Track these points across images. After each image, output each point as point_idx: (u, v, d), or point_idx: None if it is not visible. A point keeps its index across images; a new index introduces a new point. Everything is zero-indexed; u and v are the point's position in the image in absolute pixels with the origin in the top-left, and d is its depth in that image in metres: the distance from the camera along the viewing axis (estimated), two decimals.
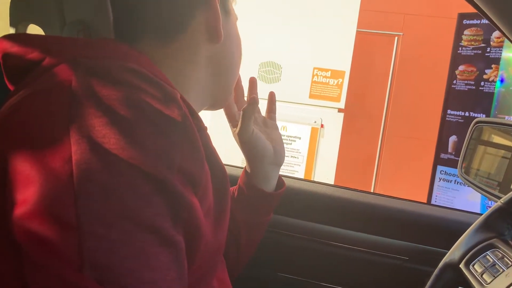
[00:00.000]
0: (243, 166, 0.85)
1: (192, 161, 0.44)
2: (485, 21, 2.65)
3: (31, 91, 0.43)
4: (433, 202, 2.85)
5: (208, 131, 0.56)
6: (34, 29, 0.91)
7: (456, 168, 2.76)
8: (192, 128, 0.45)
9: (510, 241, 0.69)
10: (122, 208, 0.37)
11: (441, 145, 2.87)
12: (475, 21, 2.71)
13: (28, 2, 0.89)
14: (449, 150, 2.82)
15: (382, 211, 1.00)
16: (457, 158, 2.76)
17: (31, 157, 0.38)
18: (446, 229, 0.96)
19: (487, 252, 0.69)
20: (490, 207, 2.28)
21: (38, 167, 0.37)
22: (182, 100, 0.48)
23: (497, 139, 1.20)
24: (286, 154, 2.38)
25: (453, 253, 0.73)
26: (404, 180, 4.05)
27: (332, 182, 2.33)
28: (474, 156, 1.19)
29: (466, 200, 2.68)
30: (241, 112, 0.76)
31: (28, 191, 0.37)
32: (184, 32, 0.57)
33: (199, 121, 0.52)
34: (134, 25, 0.58)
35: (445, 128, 2.85)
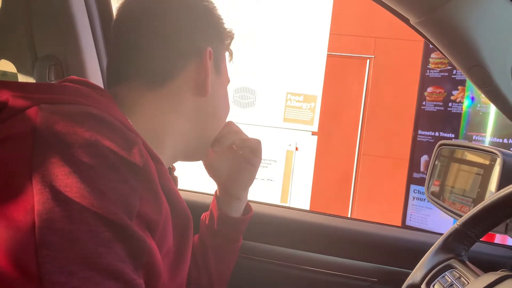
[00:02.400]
0: None
1: (151, 206, 0.45)
2: None
3: None
4: (407, 221, 2.91)
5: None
6: (5, 64, 0.92)
7: None
8: (152, 175, 0.47)
9: (467, 262, 0.73)
10: (83, 255, 0.38)
11: (413, 164, 2.94)
12: None
13: None
14: (421, 169, 2.90)
15: (351, 234, 1.03)
16: None
17: None
18: (412, 250, 0.99)
19: (446, 272, 0.72)
20: None
21: (0, 218, 0.38)
22: (144, 146, 0.50)
23: (461, 156, 1.25)
24: (262, 178, 2.41)
25: (415, 274, 0.76)
26: (380, 199, 4.11)
27: (308, 204, 2.36)
28: (439, 176, 1.24)
29: (440, 218, 2.75)
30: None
31: None
32: (171, 81, 0.60)
33: (161, 165, 0.53)
34: (125, 67, 0.61)
35: (417, 148, 2.94)
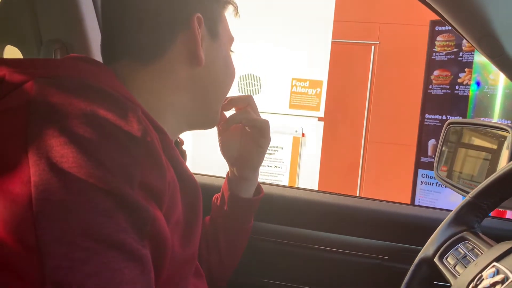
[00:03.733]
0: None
1: (154, 175, 0.44)
2: None
3: None
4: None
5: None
6: (11, 50, 0.92)
7: None
8: (153, 143, 0.46)
9: (479, 233, 0.72)
10: (82, 226, 0.38)
11: (421, 149, 2.93)
12: (446, 27, 2.80)
13: (3, 24, 0.90)
14: (429, 153, 2.88)
15: (360, 213, 1.03)
16: None
17: None
18: (422, 227, 0.98)
19: (459, 244, 0.72)
20: None
21: None
22: (144, 115, 0.49)
23: (470, 139, 1.25)
24: (269, 164, 2.41)
25: (427, 248, 0.75)
26: (388, 185, 4.10)
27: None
28: (449, 156, 1.23)
29: (449, 201, 2.74)
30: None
31: None
32: (163, 55, 0.58)
33: (165, 135, 0.52)
34: (116, 44, 0.59)
35: (424, 132, 2.92)
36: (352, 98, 4.35)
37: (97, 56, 0.89)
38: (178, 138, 0.72)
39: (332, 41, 2.33)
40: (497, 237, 0.74)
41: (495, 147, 1.11)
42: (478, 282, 0.59)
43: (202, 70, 0.61)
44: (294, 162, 2.29)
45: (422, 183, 2.90)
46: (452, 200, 2.71)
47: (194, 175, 0.58)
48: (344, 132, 4.16)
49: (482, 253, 0.67)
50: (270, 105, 2.28)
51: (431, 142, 2.87)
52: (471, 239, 0.71)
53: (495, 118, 2.60)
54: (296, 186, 2.32)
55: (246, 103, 0.77)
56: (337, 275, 1.01)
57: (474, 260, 0.66)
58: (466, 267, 0.66)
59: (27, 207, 0.37)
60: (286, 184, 2.30)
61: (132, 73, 0.58)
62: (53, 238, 0.37)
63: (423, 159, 2.91)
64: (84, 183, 0.39)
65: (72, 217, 0.38)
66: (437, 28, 2.84)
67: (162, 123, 0.58)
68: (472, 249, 0.69)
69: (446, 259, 0.72)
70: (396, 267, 0.98)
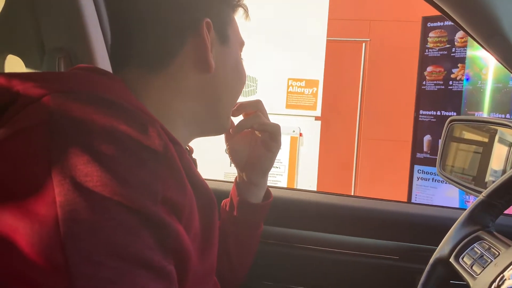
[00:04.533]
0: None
1: (175, 190, 0.44)
2: (448, 23, 2.76)
3: (7, 133, 0.42)
4: (413, 201, 2.92)
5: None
6: (13, 60, 0.90)
7: (433, 166, 2.83)
8: (173, 157, 0.45)
9: (494, 232, 0.73)
10: (109, 245, 0.37)
11: (416, 145, 2.95)
12: (438, 24, 2.82)
13: (4, 33, 0.89)
14: (425, 149, 2.90)
15: (369, 214, 1.03)
16: (433, 157, 2.84)
17: (13, 204, 0.38)
18: (432, 226, 0.99)
19: (475, 244, 0.72)
20: (468, 201, 2.35)
21: (22, 215, 0.37)
22: (161, 128, 0.48)
23: (471, 136, 1.25)
24: None
25: (442, 248, 0.75)
26: (384, 182, 4.12)
27: (315, 189, 2.36)
28: (451, 153, 1.24)
29: (445, 196, 2.76)
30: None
31: (14, 239, 0.36)
32: (172, 61, 0.56)
33: (180, 146, 0.52)
34: (126, 52, 0.58)
35: (419, 128, 2.94)
36: (345, 96, 4.36)
37: (101, 64, 0.88)
38: (188, 146, 0.72)
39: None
40: (509, 235, 0.74)
41: (497, 136, 1.11)
42: (500, 283, 0.59)
43: (212, 76, 0.59)
44: (292, 162, 2.29)
45: (418, 179, 2.92)
46: (449, 195, 2.73)
47: None
48: (338, 130, 4.17)
49: (499, 253, 0.67)
50: (266, 105, 2.28)
51: (426, 137, 2.89)
52: (487, 239, 0.71)
53: (489, 112, 2.63)
54: (295, 185, 2.32)
55: (255, 108, 0.76)
56: (347, 276, 1.01)
57: (492, 259, 0.66)
58: (484, 267, 0.66)
59: (54, 228, 0.36)
60: (285, 184, 2.30)
61: (142, 81, 0.57)
62: (81, 258, 0.36)
63: (418, 155, 2.93)
64: (109, 201, 0.38)
65: (99, 236, 0.37)
66: (429, 24, 2.86)
67: (173, 131, 0.57)
68: (489, 249, 0.69)
69: (462, 259, 0.72)
70: (407, 266, 0.98)
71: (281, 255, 1.03)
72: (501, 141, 1.16)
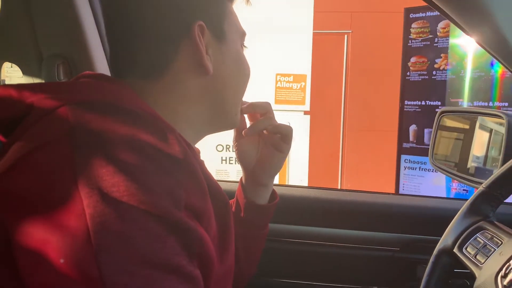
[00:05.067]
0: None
1: (196, 195, 0.45)
2: (430, 13, 2.80)
3: (28, 147, 0.42)
4: (400, 190, 2.97)
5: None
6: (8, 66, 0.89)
7: (419, 155, 2.86)
8: (193, 163, 0.47)
9: (496, 222, 0.75)
10: (140, 254, 0.38)
11: (402, 135, 2.99)
12: (421, 14, 2.85)
13: (0, 40, 0.87)
14: (411, 139, 2.95)
15: (368, 207, 1.05)
16: (419, 146, 2.89)
17: (42, 219, 0.38)
18: (431, 217, 1.01)
19: (477, 234, 0.74)
20: (454, 189, 2.39)
21: (52, 228, 0.38)
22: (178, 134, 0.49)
23: (458, 125, 1.28)
24: None
25: (446, 239, 0.78)
26: (371, 172, 4.18)
27: (306, 184, 2.38)
28: (443, 145, 1.27)
29: (432, 185, 2.81)
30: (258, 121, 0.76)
31: (46, 253, 0.37)
32: (168, 68, 0.56)
33: (193, 151, 0.52)
34: (123, 61, 0.58)
35: (404, 118, 2.98)
36: (330, 88, 4.39)
37: (101, 70, 0.88)
38: (195, 147, 0.72)
39: None
40: (509, 223, 0.77)
41: (488, 125, 1.14)
42: (507, 271, 0.61)
43: (213, 77, 0.59)
44: None
45: (405, 168, 2.97)
46: (436, 184, 2.79)
47: None
48: (324, 122, 4.20)
49: (502, 242, 0.69)
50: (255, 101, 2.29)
51: (412, 127, 2.94)
52: (489, 228, 0.73)
53: (472, 100, 2.68)
54: (287, 180, 2.34)
55: (265, 110, 0.77)
56: (350, 269, 1.03)
57: (495, 249, 0.69)
58: (488, 256, 0.69)
59: (86, 240, 0.37)
60: (277, 179, 2.32)
61: (144, 88, 0.57)
62: (114, 269, 0.37)
63: (405, 144, 2.97)
64: (137, 210, 0.39)
65: (130, 246, 0.38)
66: (411, 15, 2.89)
67: (182, 134, 0.58)
68: (491, 238, 0.71)
69: (466, 249, 0.74)
70: (408, 257, 1.01)
71: (283, 252, 1.04)
72: (482, 127, 1.19)
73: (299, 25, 2.29)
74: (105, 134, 0.42)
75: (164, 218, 0.40)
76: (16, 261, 0.38)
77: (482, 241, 0.72)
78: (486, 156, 1.17)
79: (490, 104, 2.60)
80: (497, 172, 0.76)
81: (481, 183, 1.02)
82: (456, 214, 0.79)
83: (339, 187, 4.50)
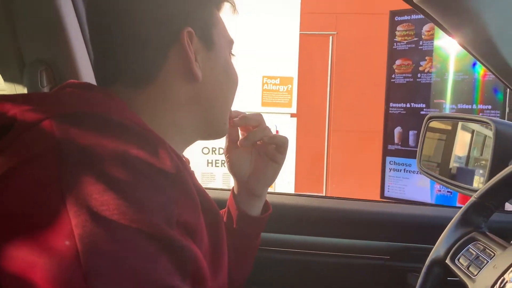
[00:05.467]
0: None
1: (189, 210, 0.44)
2: (415, 16, 2.82)
3: (11, 163, 0.40)
4: (386, 192, 2.99)
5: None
6: None
7: (404, 157, 2.87)
8: (185, 177, 0.45)
9: (487, 233, 0.75)
10: (132, 274, 0.37)
11: (388, 137, 3.01)
12: (406, 17, 2.87)
13: None
14: (396, 141, 2.97)
15: (358, 215, 1.04)
16: (403, 148, 2.91)
17: (28, 240, 0.36)
18: (420, 225, 1.01)
19: (469, 245, 0.74)
20: (439, 191, 2.41)
21: (38, 250, 0.36)
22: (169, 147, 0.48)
23: (444, 127, 1.29)
24: None
25: (437, 249, 0.77)
26: (356, 173, 4.20)
27: (293, 186, 2.38)
28: (431, 150, 1.27)
29: (417, 186, 2.84)
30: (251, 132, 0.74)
31: (33, 277, 0.35)
32: (157, 76, 0.55)
33: (185, 163, 0.51)
34: (110, 69, 0.57)
35: (390, 121, 3.00)
36: (315, 89, 4.40)
37: (86, 76, 0.85)
38: (184, 157, 0.70)
39: None
40: (497, 230, 0.77)
41: (478, 131, 1.15)
42: (501, 285, 0.61)
43: (202, 84, 0.58)
44: None
45: (390, 170, 2.99)
46: (420, 185, 2.81)
47: None
48: (310, 123, 4.21)
49: (494, 254, 0.69)
50: (242, 104, 2.27)
51: (397, 129, 2.96)
52: (481, 239, 0.73)
53: (456, 103, 2.71)
54: (274, 184, 2.33)
55: (258, 122, 0.75)
56: (340, 278, 1.02)
57: (488, 260, 0.68)
58: (480, 268, 0.69)
59: (75, 262, 0.35)
60: None
61: (131, 96, 0.55)
62: None
63: (390, 146, 2.99)
64: (128, 229, 0.38)
65: (121, 267, 0.37)
66: (397, 18, 2.91)
67: (169, 141, 0.57)
68: (484, 250, 0.71)
69: (458, 260, 0.74)
70: (398, 265, 1.01)
71: (272, 261, 1.03)
72: (464, 128, 1.20)
73: (286, 27, 2.29)
74: (93, 149, 0.41)
75: (156, 237, 0.39)
76: None
77: (474, 253, 0.72)
78: (468, 157, 1.18)
79: (474, 106, 2.63)
80: (489, 182, 0.76)
81: (471, 190, 1.03)
82: (446, 222, 0.79)
83: (324, 188, 4.52)
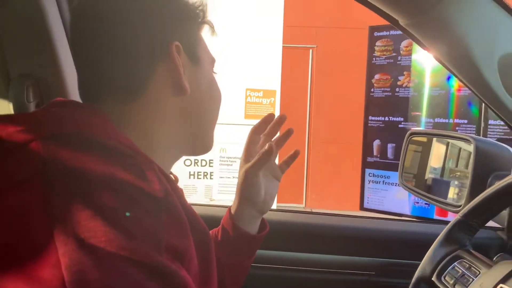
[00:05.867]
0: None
1: (178, 234, 0.43)
2: (394, 32, 2.88)
3: None
4: (365, 203, 3.03)
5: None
6: None
7: (383, 169, 2.90)
8: (174, 201, 0.45)
9: (472, 251, 0.77)
10: None
11: (367, 149, 3.05)
12: (385, 33, 2.94)
13: None
14: (374, 153, 3.01)
15: (342, 231, 1.05)
16: (382, 160, 2.96)
17: (12, 271, 0.36)
18: (405, 241, 1.03)
19: (455, 263, 0.75)
20: (417, 203, 2.45)
21: (24, 281, 0.35)
22: (157, 168, 0.47)
23: (430, 148, 1.32)
24: (228, 176, 2.39)
25: (424, 267, 0.79)
26: (335, 184, 4.23)
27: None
28: (413, 165, 1.30)
29: (396, 199, 2.88)
30: (261, 152, 0.73)
31: None
32: (145, 89, 0.55)
33: (173, 183, 0.51)
34: (96, 84, 0.56)
35: (369, 133, 3.04)
36: (296, 100, 4.44)
37: (74, 91, 0.84)
38: (172, 174, 0.70)
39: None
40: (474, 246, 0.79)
41: (457, 147, 1.18)
42: None
43: (189, 99, 0.58)
44: None
45: (369, 182, 3.03)
46: (399, 198, 2.86)
47: None
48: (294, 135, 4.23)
49: (480, 272, 0.71)
50: (226, 116, 2.27)
51: (376, 142, 3.00)
52: (466, 257, 0.75)
53: (433, 117, 2.78)
54: None
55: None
56: None
57: (473, 278, 0.70)
58: (466, 286, 0.70)
59: None
60: None
61: (118, 111, 0.55)
62: None
63: (369, 159, 3.04)
64: (116, 257, 0.37)
65: None
66: (376, 33, 2.97)
67: (156, 156, 0.56)
68: (469, 268, 0.73)
69: (444, 278, 0.75)
70: (383, 281, 1.02)
71: (255, 277, 1.02)
72: (439, 140, 1.24)
73: (269, 41, 2.31)
74: (80, 173, 0.40)
75: (145, 264, 0.38)
76: None
77: (460, 271, 0.74)
78: (443, 168, 1.21)
79: (451, 120, 2.70)
80: (473, 201, 0.77)
81: (451, 205, 1.05)
82: (431, 238, 0.80)
83: (304, 199, 4.54)
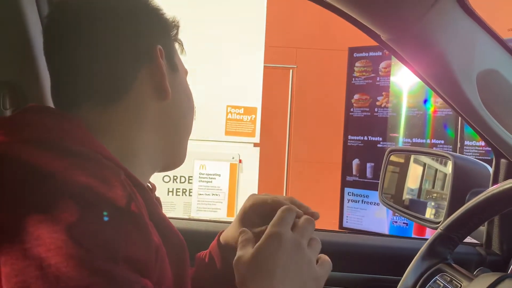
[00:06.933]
0: None
1: (139, 247, 0.41)
2: (373, 53, 2.95)
3: None
4: (344, 222, 3.03)
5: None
6: None
7: (362, 188, 2.93)
8: (138, 208, 0.43)
9: (453, 264, 0.77)
10: None
11: (346, 168, 3.08)
12: (364, 54, 3.00)
13: None
14: (354, 172, 3.04)
15: (326, 247, 1.04)
16: (361, 180, 2.98)
17: None
18: (388, 257, 1.03)
19: (436, 276, 0.76)
20: (396, 222, 2.47)
21: None
22: (127, 175, 0.46)
23: (397, 159, 1.33)
24: (207, 193, 2.36)
25: (406, 281, 0.78)
26: (315, 203, 4.23)
27: None
28: (392, 182, 1.31)
29: (374, 217, 2.90)
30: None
31: None
32: (127, 92, 0.54)
33: (146, 191, 0.50)
34: (71, 89, 0.54)
35: (348, 153, 3.08)
36: (276, 120, 4.46)
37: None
38: (150, 183, 0.68)
39: None
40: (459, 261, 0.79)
41: (436, 165, 1.20)
42: None
43: (169, 104, 0.58)
44: (232, 189, 2.27)
45: (349, 201, 3.04)
46: (378, 216, 2.87)
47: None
48: (271, 153, 4.23)
49: (461, 285, 0.71)
50: (206, 132, 2.26)
51: (355, 161, 3.03)
52: (447, 271, 0.75)
53: (411, 137, 2.83)
54: (235, 213, 2.31)
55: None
56: None
57: None
58: None
59: None
60: (225, 211, 2.28)
61: (98, 117, 0.53)
62: None
63: (348, 178, 3.06)
64: (62, 266, 0.35)
65: None
66: (355, 54, 3.03)
67: (137, 167, 0.55)
68: (451, 281, 0.73)
69: None
70: None
71: None
72: (416, 161, 1.26)
73: (251, 58, 2.33)
74: (34, 177, 0.39)
75: (97, 273, 0.36)
76: None
77: (441, 284, 0.74)
78: (420, 189, 1.22)
79: (428, 141, 2.75)
80: (454, 214, 0.78)
81: (432, 222, 1.06)
82: (412, 253, 0.80)
83: None
